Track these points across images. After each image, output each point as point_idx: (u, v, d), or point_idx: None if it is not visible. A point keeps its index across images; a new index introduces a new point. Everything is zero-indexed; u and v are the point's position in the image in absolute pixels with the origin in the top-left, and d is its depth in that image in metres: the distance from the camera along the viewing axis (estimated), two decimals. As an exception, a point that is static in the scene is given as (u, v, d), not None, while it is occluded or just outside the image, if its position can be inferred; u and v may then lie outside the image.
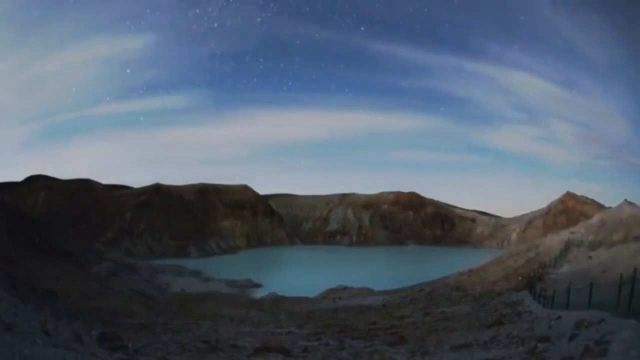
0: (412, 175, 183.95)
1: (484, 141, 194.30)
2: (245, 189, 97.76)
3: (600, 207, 77.75)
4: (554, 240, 38.90)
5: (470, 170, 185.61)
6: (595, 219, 42.30)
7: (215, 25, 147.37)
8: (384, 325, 17.03)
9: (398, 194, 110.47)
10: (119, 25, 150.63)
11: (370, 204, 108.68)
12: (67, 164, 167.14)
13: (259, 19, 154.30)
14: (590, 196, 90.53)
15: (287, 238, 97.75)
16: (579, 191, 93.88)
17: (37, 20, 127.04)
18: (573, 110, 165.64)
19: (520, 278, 26.99)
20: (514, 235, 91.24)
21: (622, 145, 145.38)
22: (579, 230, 39.72)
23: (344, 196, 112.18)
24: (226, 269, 56.45)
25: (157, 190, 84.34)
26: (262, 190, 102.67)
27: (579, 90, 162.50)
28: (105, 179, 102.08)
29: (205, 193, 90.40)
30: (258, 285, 45.08)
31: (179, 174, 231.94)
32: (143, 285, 34.77)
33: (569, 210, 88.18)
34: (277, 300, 31.54)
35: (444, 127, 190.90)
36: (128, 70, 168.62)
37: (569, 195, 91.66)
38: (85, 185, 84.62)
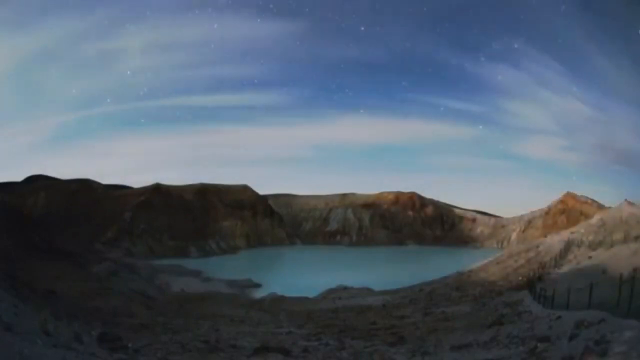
0: (412, 175, 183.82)
1: (487, 144, 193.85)
2: (245, 189, 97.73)
3: (600, 207, 77.70)
4: (554, 240, 38.92)
5: (472, 171, 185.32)
6: (595, 219, 42.26)
7: (215, 26, 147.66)
8: (384, 325, 17.03)
9: (398, 194, 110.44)
10: (119, 27, 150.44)
11: (370, 204, 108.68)
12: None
13: (258, 20, 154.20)
14: (590, 196, 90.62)
15: (287, 238, 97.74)
16: (579, 191, 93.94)
17: (36, 21, 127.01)
18: (582, 118, 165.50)
19: (520, 278, 26.99)
20: (514, 235, 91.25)
21: (624, 148, 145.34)
22: (579, 230, 39.70)
23: (344, 196, 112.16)
24: (226, 269, 56.46)
25: (157, 190, 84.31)
26: (263, 191, 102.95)
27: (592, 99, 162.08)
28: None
29: (205, 193, 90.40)
30: (258, 285, 45.08)
31: (178, 175, 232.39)
32: (143, 285, 34.74)
33: (569, 210, 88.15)
34: (277, 300, 31.56)
35: (444, 128, 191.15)
36: (128, 72, 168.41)
37: (569, 195, 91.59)
38: (85, 185, 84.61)
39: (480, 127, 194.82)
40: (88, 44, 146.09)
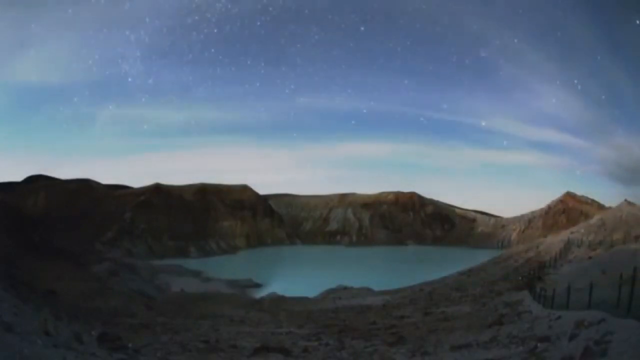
0: (412, 175, 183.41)
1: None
2: (245, 189, 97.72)
3: (600, 207, 77.74)
4: (554, 240, 38.96)
5: (473, 172, 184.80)
6: (595, 219, 42.39)
7: (215, 31, 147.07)
8: (384, 325, 17.03)
9: (398, 194, 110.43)
10: (118, 35, 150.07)
11: (370, 204, 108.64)
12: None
13: (258, 23, 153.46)
14: (590, 196, 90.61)
15: (287, 238, 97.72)
16: (579, 191, 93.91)
17: (35, 29, 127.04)
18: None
19: (520, 278, 26.98)
20: (514, 235, 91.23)
21: (623, 147, 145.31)
22: (579, 230, 39.78)
23: (344, 196, 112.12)
24: (226, 269, 56.45)
25: (157, 190, 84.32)
26: (263, 190, 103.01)
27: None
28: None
29: (205, 193, 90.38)
30: (258, 285, 45.10)
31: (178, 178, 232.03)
32: (143, 285, 34.76)
33: (569, 210, 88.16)
34: (277, 300, 31.55)
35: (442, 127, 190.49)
36: (129, 79, 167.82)
37: (569, 195, 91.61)
38: (85, 185, 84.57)
39: (483, 123, 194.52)
40: (86, 51, 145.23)
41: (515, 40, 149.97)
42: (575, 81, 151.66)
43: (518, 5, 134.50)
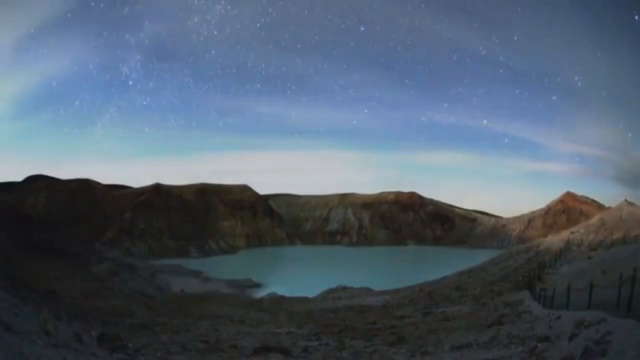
0: (412, 175, 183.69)
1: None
2: (245, 189, 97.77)
3: (600, 207, 77.78)
4: (554, 240, 38.97)
5: (474, 171, 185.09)
6: (595, 219, 42.40)
7: (215, 33, 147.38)
8: (384, 325, 17.02)
9: (398, 194, 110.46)
10: (118, 39, 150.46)
11: (370, 204, 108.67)
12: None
13: (258, 25, 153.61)
14: (590, 196, 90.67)
15: (287, 238, 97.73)
16: (579, 191, 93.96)
17: (35, 34, 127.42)
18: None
19: (520, 278, 26.97)
20: (514, 235, 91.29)
21: (623, 148, 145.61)
22: (579, 230, 39.80)
23: (344, 196, 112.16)
24: (226, 269, 56.46)
25: (157, 190, 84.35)
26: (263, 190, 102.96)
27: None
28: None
29: (205, 193, 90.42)
30: (258, 285, 45.12)
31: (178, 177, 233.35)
32: (143, 285, 34.80)
33: (569, 209, 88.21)
34: (277, 300, 31.57)
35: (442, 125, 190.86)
36: (130, 82, 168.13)
37: (569, 195, 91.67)
38: (85, 185, 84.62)
39: (485, 121, 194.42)
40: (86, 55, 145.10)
41: (515, 38, 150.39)
42: (576, 78, 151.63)
43: (518, 3, 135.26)
